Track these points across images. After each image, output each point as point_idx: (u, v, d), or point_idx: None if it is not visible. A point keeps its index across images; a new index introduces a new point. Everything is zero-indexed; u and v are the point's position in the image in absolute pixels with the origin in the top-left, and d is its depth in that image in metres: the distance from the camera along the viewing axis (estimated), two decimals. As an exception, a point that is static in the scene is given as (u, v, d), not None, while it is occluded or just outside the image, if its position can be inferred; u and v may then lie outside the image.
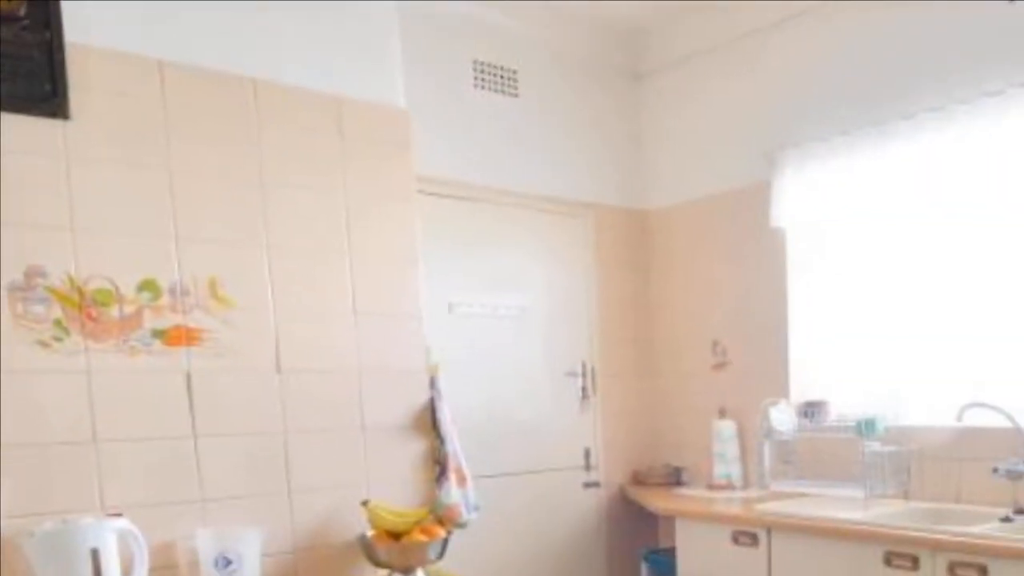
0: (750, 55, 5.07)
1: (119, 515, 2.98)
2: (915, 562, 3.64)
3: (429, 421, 3.89)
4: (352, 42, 3.71)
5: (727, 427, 5.21)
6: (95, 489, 3.03)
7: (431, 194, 4.57)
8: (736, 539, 4.34)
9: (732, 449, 5.19)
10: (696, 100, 5.44)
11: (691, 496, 5.09)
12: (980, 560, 3.43)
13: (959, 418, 4.00)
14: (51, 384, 2.96)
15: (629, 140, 5.74)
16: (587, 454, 5.49)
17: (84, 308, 3.01)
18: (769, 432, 4.73)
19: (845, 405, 4.73)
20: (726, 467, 5.18)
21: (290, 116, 3.52)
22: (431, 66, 4.58)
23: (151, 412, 3.18)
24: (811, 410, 4.73)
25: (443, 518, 3.79)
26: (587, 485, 5.49)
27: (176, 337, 3.20)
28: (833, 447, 4.65)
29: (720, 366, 5.38)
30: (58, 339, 2.96)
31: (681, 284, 5.62)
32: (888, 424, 4.38)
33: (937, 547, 3.57)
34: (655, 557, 5.27)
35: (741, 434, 5.21)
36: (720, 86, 5.27)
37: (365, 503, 3.59)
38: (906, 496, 4.42)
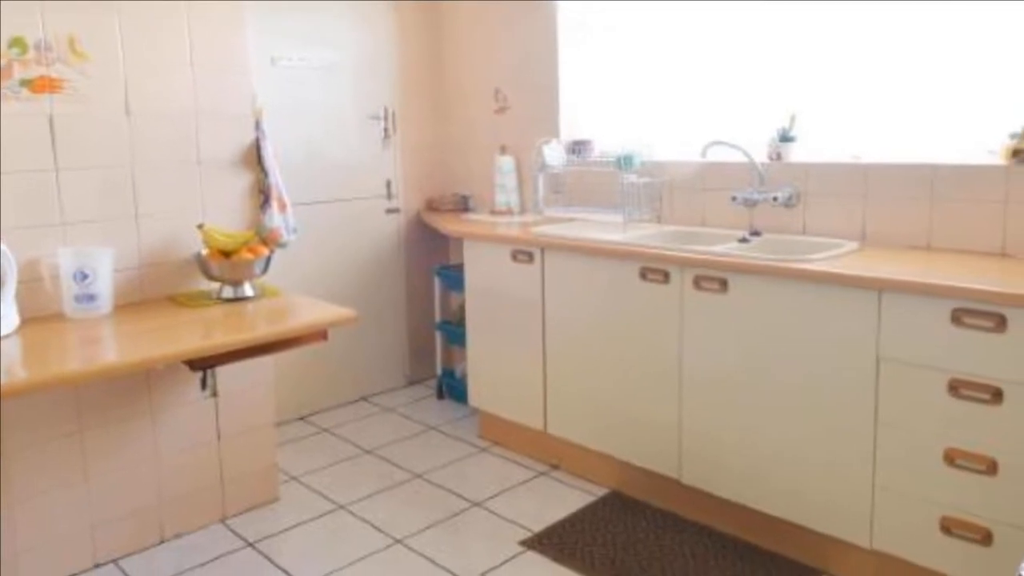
0: None
1: (-8, 236, 3.11)
2: (666, 276, 3.79)
3: (255, 157, 4.04)
4: None
5: (507, 162, 5.41)
6: (-28, 215, 3.17)
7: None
8: (515, 256, 4.51)
9: (511, 181, 5.41)
10: None
11: (477, 220, 5.28)
12: (721, 274, 3.58)
13: (703, 154, 4.13)
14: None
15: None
16: (388, 185, 5.74)
17: (-36, 63, 3.08)
18: (542, 166, 4.97)
19: (607, 143, 4.96)
20: (506, 196, 5.41)
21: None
22: None
23: (20, 149, 3.30)
24: (578, 147, 4.99)
25: (266, 239, 4.01)
26: (388, 211, 5.77)
27: (41, 86, 3.31)
28: (597, 179, 4.89)
29: (501, 110, 5.59)
30: (-59, 88, 3.06)
31: (468, 42, 5.77)
32: (644, 159, 4.58)
33: (685, 263, 3.70)
34: (446, 272, 5.58)
35: (519, 168, 5.42)
36: None
37: (200, 226, 3.79)
38: (659, 220, 4.63)
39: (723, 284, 3.60)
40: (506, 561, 3.61)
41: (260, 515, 4.10)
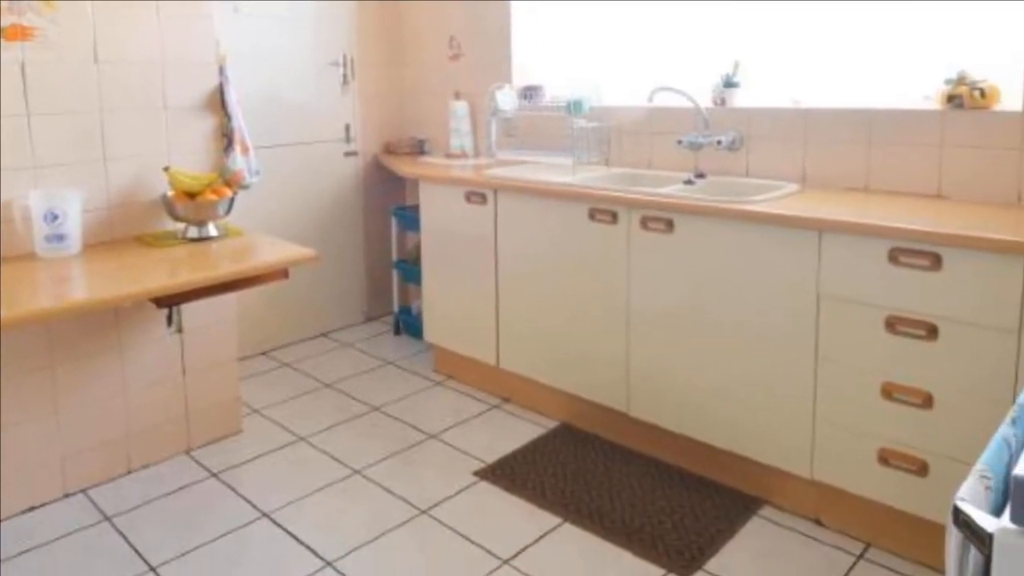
0: None
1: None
2: (614, 217, 3.81)
3: (219, 102, 4.04)
4: None
5: (461, 107, 5.43)
6: (-55, 159, 3.17)
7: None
8: (469, 198, 4.52)
9: (465, 125, 5.43)
10: None
11: (432, 163, 5.26)
12: (667, 215, 3.60)
13: (650, 99, 4.16)
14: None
15: None
16: (347, 129, 5.74)
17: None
18: (495, 111, 5.00)
19: (557, 88, 4.95)
20: (460, 140, 5.43)
21: None
22: None
23: (-8, 95, 3.31)
24: (530, 93, 4.97)
25: (230, 181, 4.02)
26: (347, 154, 5.77)
27: (13, 33, 3.30)
28: (548, 123, 4.93)
29: (455, 57, 5.60)
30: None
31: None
32: (593, 104, 4.63)
33: (632, 204, 3.73)
34: (402, 213, 5.61)
35: (472, 113, 5.44)
36: None
37: (166, 169, 3.80)
38: (607, 163, 4.65)
39: (669, 224, 3.63)
40: (460, 491, 3.70)
41: (224, 447, 4.15)
